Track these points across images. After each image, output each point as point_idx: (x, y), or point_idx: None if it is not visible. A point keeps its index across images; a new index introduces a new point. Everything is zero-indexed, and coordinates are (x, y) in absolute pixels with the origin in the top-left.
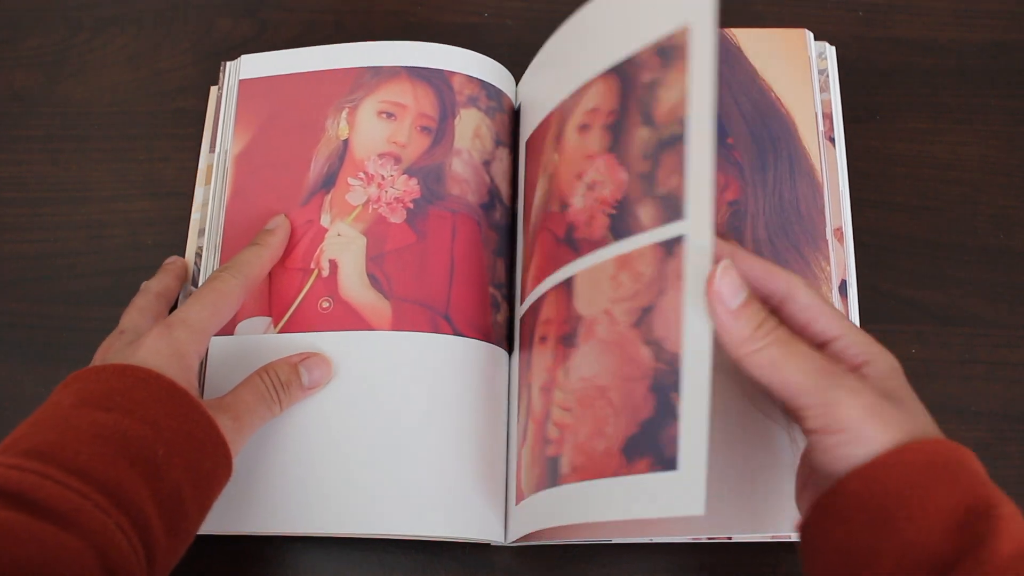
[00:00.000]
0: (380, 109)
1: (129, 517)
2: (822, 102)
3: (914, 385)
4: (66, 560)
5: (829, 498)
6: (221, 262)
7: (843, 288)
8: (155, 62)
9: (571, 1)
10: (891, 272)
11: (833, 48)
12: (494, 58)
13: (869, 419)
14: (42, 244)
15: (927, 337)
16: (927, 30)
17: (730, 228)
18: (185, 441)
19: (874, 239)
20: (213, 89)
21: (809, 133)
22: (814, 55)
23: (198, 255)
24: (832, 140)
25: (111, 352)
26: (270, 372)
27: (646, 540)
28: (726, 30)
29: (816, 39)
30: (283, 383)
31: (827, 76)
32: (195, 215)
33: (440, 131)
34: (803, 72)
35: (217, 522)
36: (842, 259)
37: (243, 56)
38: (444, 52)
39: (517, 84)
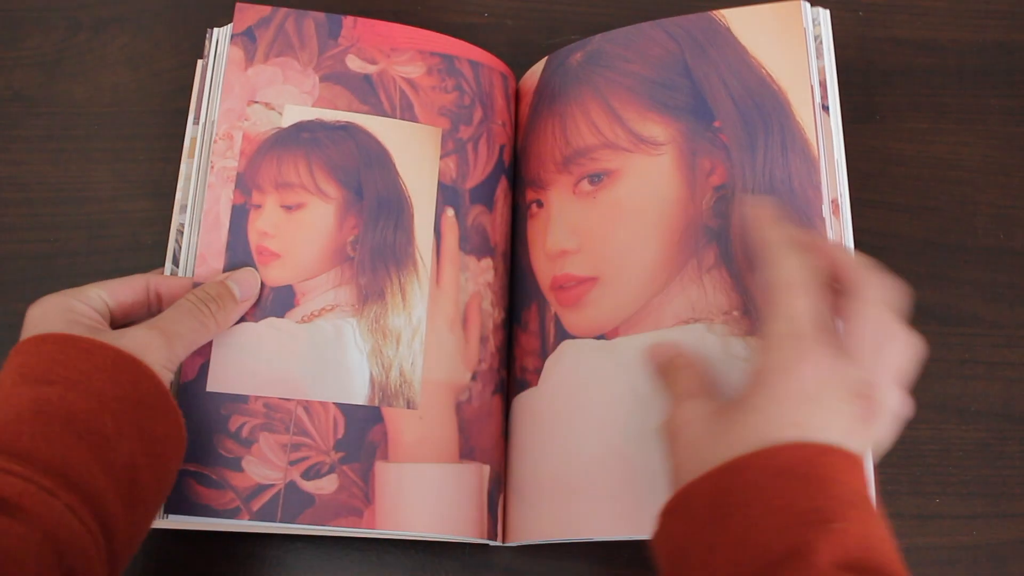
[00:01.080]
0: None
1: (80, 495)
2: (818, 69)
3: (914, 385)
4: (11, 547)
5: (674, 500)
6: (200, 240)
7: None
8: (155, 62)
9: (571, 1)
10: (891, 272)
11: (827, 12)
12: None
13: (706, 427)
14: (42, 244)
15: (927, 337)
16: (927, 30)
17: (716, 213)
18: (134, 409)
19: (874, 239)
20: (200, 63)
21: (804, 108)
22: (810, 24)
23: (180, 232)
24: (827, 109)
25: None
26: (198, 291)
27: (647, 537)
28: (714, 12)
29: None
30: (214, 297)
31: (821, 42)
32: (180, 194)
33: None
34: (798, 45)
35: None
36: (839, 233)
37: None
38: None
39: (517, 83)
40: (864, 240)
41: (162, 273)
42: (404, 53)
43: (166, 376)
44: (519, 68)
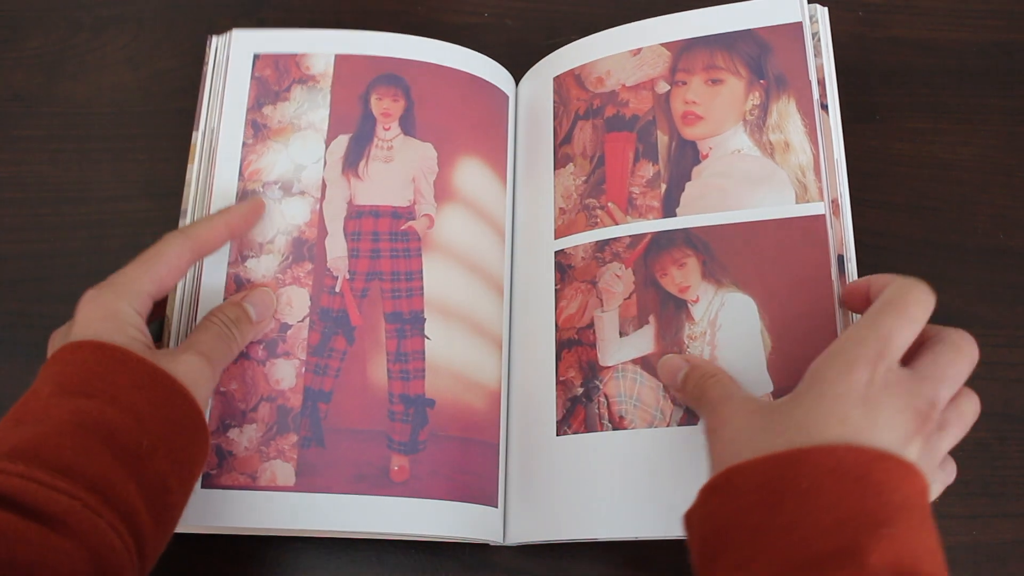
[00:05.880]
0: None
1: (119, 513)
2: (816, 67)
3: None
4: (57, 562)
5: (719, 477)
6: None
7: (840, 263)
8: (155, 62)
9: (571, 1)
10: (891, 272)
11: (825, 9)
12: (493, 58)
13: (751, 419)
14: (42, 244)
15: None
16: (927, 30)
17: None
18: (167, 428)
19: (874, 239)
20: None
21: None
22: (807, 20)
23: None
24: (826, 108)
25: (57, 335)
26: (218, 314)
27: (647, 539)
28: None
29: None
30: (233, 320)
31: (819, 39)
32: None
33: None
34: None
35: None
36: (840, 234)
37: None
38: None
39: (517, 84)
40: (864, 240)
41: (195, 234)
42: None
43: (207, 402)
44: (519, 68)
